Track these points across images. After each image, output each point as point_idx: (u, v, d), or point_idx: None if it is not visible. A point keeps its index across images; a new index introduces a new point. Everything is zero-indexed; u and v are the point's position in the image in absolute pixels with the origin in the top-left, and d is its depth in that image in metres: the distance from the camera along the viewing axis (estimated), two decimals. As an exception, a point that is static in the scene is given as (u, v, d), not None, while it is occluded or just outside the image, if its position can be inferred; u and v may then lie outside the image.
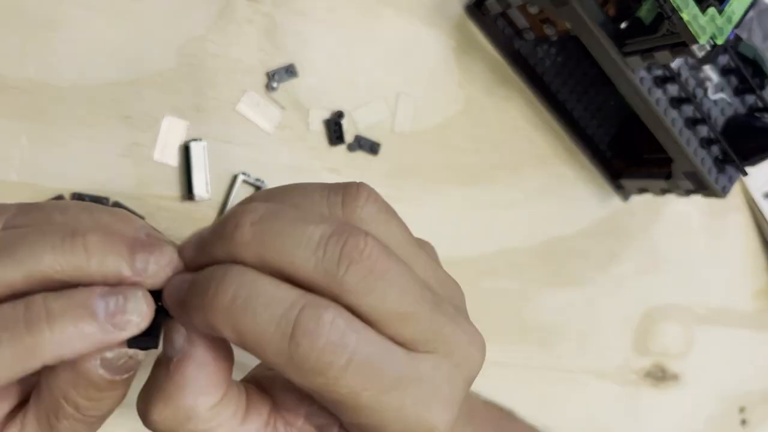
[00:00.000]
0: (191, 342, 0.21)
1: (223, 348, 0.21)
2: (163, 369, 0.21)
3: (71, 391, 0.20)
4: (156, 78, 0.36)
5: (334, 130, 0.40)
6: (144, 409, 0.22)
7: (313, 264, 0.19)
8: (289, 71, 0.39)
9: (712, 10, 0.32)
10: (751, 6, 0.33)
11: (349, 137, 0.40)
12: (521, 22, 0.42)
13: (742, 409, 0.56)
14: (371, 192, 0.22)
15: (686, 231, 0.53)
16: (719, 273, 0.55)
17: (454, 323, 0.22)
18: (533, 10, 0.40)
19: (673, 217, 0.52)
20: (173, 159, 0.36)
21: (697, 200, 0.48)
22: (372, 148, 0.41)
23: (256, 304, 0.19)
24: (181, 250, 0.21)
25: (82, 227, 0.20)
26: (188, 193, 0.36)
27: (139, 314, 0.20)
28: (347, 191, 0.22)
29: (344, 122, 0.40)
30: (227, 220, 0.20)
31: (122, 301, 0.20)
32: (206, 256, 0.21)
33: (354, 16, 0.41)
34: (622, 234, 0.50)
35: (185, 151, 0.36)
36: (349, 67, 0.41)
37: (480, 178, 0.45)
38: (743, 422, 0.56)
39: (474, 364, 0.23)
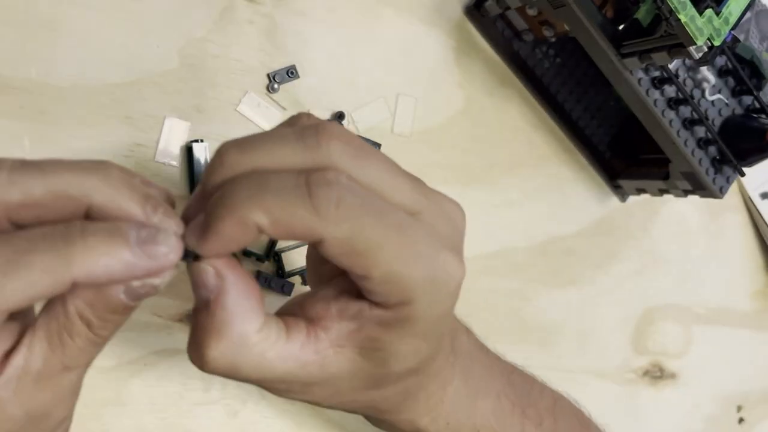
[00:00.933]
0: (222, 276, 0.22)
1: (250, 278, 0.23)
2: (203, 312, 0.22)
3: (87, 310, 0.21)
4: (157, 79, 0.36)
5: (334, 130, 0.40)
6: (198, 354, 0.23)
7: (299, 153, 0.22)
8: (290, 72, 0.39)
9: (709, 12, 0.32)
10: (749, 7, 0.33)
11: (349, 138, 0.41)
12: (520, 23, 0.43)
13: (739, 408, 0.56)
14: (315, 116, 0.25)
15: (684, 231, 0.53)
16: (717, 273, 0.55)
17: (431, 191, 0.25)
18: (532, 11, 0.40)
19: (671, 217, 0.52)
20: (175, 159, 0.36)
21: (695, 200, 0.48)
22: (372, 148, 0.41)
23: (271, 182, 0.21)
24: (186, 209, 0.23)
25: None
26: (190, 193, 0.36)
27: (168, 246, 0.21)
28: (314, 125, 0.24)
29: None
30: (212, 160, 0.23)
31: (154, 232, 0.21)
32: (206, 195, 0.22)
33: (354, 16, 0.41)
34: (620, 234, 0.50)
35: (187, 151, 0.36)
36: (350, 67, 0.41)
37: (479, 178, 0.45)
38: (741, 421, 0.56)
39: (459, 218, 0.26)
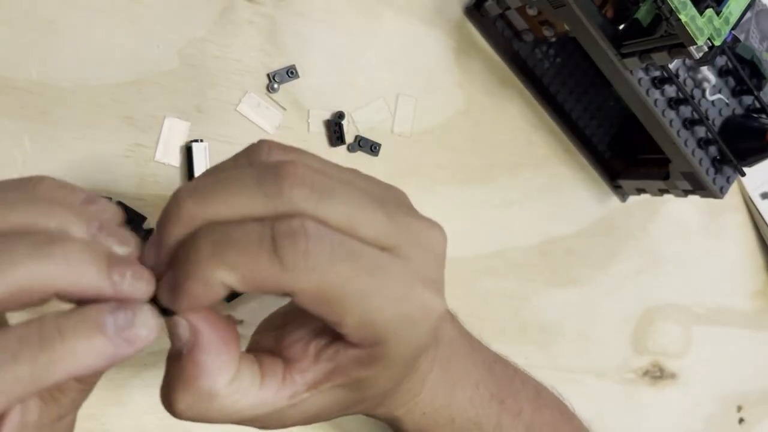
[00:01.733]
0: (195, 331, 0.22)
1: (227, 327, 0.23)
2: (175, 362, 0.22)
3: (80, 366, 0.20)
4: (157, 79, 0.36)
5: (334, 130, 0.40)
6: (168, 402, 0.23)
7: (260, 201, 0.21)
8: (290, 72, 0.39)
9: (710, 12, 0.32)
10: (749, 7, 0.33)
11: (349, 138, 0.41)
12: (520, 23, 0.43)
13: (739, 408, 0.56)
14: (277, 144, 0.23)
15: (684, 231, 0.53)
16: (717, 273, 0.55)
17: (407, 216, 0.24)
18: (532, 11, 0.40)
19: (671, 217, 0.53)
20: (175, 159, 0.36)
21: (695, 200, 0.48)
22: (372, 148, 0.41)
23: (233, 237, 0.20)
24: (145, 258, 0.22)
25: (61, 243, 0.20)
26: (190, 193, 0.36)
27: (147, 328, 0.21)
28: (257, 150, 0.23)
29: (344, 123, 0.40)
30: (168, 209, 0.22)
31: (131, 316, 0.20)
32: (164, 247, 0.22)
33: (354, 16, 0.41)
34: (620, 234, 0.50)
35: (187, 151, 0.36)
36: (350, 67, 0.41)
37: (479, 178, 0.45)
38: (741, 421, 0.56)
39: (439, 244, 0.25)
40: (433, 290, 0.24)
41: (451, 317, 0.33)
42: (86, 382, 0.22)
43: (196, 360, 0.22)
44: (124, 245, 0.22)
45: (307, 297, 0.21)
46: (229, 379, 0.22)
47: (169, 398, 0.23)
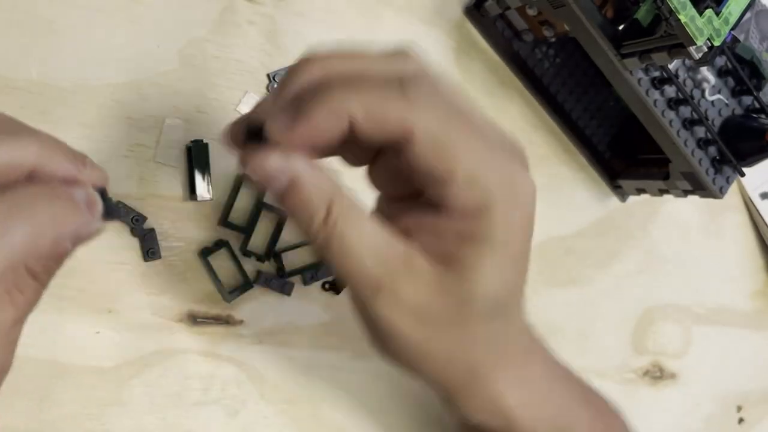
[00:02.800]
0: (295, 158, 0.24)
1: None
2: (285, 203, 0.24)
3: (35, 263, 0.23)
4: (157, 79, 0.36)
5: (334, 130, 0.40)
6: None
7: (388, 65, 0.24)
8: (290, 72, 0.39)
9: (709, 12, 0.32)
10: (748, 7, 0.33)
11: (349, 138, 0.41)
12: (520, 23, 0.43)
13: (739, 408, 0.56)
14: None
15: (684, 231, 0.53)
16: (717, 273, 0.55)
17: (496, 126, 0.26)
18: (532, 11, 0.40)
19: (671, 217, 0.53)
20: (175, 160, 0.36)
21: (695, 201, 0.48)
22: (372, 148, 0.41)
23: (365, 79, 0.23)
24: (259, 105, 0.26)
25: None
26: (190, 193, 0.36)
27: (101, 204, 0.24)
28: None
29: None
30: (299, 61, 0.24)
31: (92, 194, 0.24)
32: (288, 94, 0.24)
33: (354, 17, 0.41)
34: (620, 234, 0.50)
35: (187, 151, 0.36)
36: (350, 68, 0.41)
37: (479, 178, 0.45)
38: (741, 421, 0.56)
39: (523, 150, 0.27)
40: (527, 171, 0.26)
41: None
42: (41, 279, 0.23)
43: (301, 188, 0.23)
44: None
45: (424, 142, 0.22)
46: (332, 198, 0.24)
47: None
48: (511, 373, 0.28)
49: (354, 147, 0.26)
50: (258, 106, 0.25)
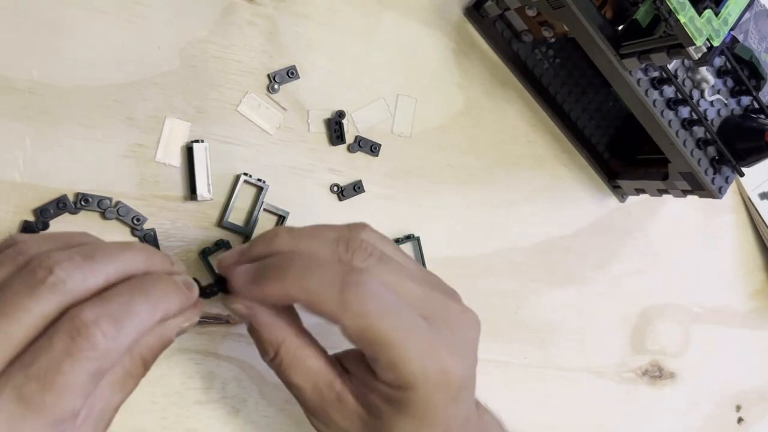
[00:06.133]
0: (251, 311, 0.30)
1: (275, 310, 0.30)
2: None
3: (148, 352, 0.27)
4: (158, 79, 0.36)
5: (335, 129, 0.40)
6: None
7: (329, 253, 0.29)
8: (290, 72, 0.39)
9: (708, 12, 0.32)
10: (747, 8, 0.33)
11: (349, 138, 0.41)
12: (519, 24, 0.43)
13: (738, 408, 0.56)
14: (368, 226, 0.31)
15: (683, 231, 0.53)
16: (716, 273, 0.55)
17: (445, 298, 0.30)
18: (531, 12, 0.40)
19: (670, 217, 0.53)
20: (175, 160, 0.36)
21: (694, 201, 0.48)
22: (372, 148, 0.41)
23: (315, 270, 0.27)
24: (224, 257, 0.31)
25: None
26: (191, 193, 0.36)
27: (195, 286, 0.29)
28: (350, 226, 0.31)
29: (344, 123, 0.40)
30: (266, 233, 0.30)
31: (186, 278, 0.29)
32: (250, 255, 0.30)
33: (354, 17, 0.41)
34: (619, 234, 0.51)
35: (187, 151, 0.36)
36: (350, 68, 0.41)
37: (479, 178, 0.45)
38: (740, 420, 0.56)
39: (471, 328, 0.31)
40: (455, 356, 0.28)
41: (491, 416, 0.35)
42: (147, 367, 0.27)
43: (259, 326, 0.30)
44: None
45: (351, 333, 0.27)
46: (281, 342, 0.30)
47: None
48: None
49: None
50: (228, 258, 0.31)
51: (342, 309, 0.27)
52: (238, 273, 0.29)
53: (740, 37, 0.45)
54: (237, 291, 0.29)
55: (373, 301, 0.27)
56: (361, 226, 0.31)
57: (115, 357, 0.24)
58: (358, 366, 0.30)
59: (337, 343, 0.30)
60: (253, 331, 0.30)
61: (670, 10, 0.31)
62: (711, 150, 0.41)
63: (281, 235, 0.30)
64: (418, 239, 0.42)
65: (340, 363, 0.31)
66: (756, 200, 0.55)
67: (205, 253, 0.36)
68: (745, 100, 0.42)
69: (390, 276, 0.28)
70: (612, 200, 0.50)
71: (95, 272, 0.25)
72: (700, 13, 0.32)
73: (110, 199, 0.35)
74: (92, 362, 0.23)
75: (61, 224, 0.34)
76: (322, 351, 0.31)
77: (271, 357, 0.30)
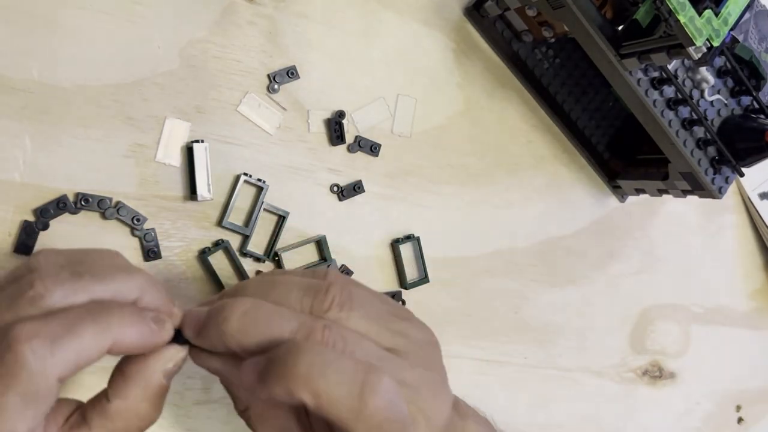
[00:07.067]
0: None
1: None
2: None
3: (140, 408, 0.26)
4: (158, 79, 0.36)
5: (335, 129, 0.40)
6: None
7: (302, 301, 0.27)
8: (290, 72, 0.39)
9: (708, 13, 0.32)
10: (747, 8, 0.33)
11: (349, 138, 0.41)
12: (519, 24, 0.43)
13: (738, 408, 0.56)
14: (337, 273, 0.29)
15: (683, 231, 0.53)
16: (716, 273, 0.55)
17: (411, 327, 0.29)
18: (531, 12, 0.40)
19: (670, 217, 0.53)
20: (175, 160, 0.36)
21: (694, 201, 0.49)
22: (372, 148, 0.41)
23: (330, 370, 0.24)
24: (185, 324, 0.28)
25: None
26: (191, 193, 0.36)
27: (168, 330, 0.27)
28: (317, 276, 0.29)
29: (344, 122, 0.40)
30: (224, 303, 0.27)
31: (163, 317, 0.27)
32: (205, 337, 0.27)
33: (354, 17, 0.41)
34: (619, 234, 0.51)
35: (188, 151, 0.36)
36: (350, 68, 0.41)
37: (479, 178, 0.45)
38: (740, 420, 0.56)
39: (435, 346, 0.30)
40: (438, 397, 0.28)
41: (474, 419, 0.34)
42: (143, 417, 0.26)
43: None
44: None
45: (309, 405, 0.25)
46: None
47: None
48: None
49: None
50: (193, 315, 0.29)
51: (358, 418, 0.24)
52: (245, 368, 0.26)
53: (740, 37, 0.45)
54: (245, 385, 0.27)
55: (394, 412, 0.25)
56: (331, 292, 0.28)
57: (47, 382, 0.22)
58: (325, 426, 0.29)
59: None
60: (225, 384, 0.30)
61: (670, 10, 0.31)
62: (711, 150, 0.41)
63: (248, 283, 0.28)
64: (418, 239, 0.42)
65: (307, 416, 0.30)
66: (756, 200, 0.55)
67: (204, 253, 0.36)
68: (745, 100, 0.42)
69: (355, 320, 0.27)
70: (612, 200, 0.50)
71: (78, 291, 0.24)
72: (700, 13, 0.32)
73: (110, 199, 0.35)
74: (19, 383, 0.22)
75: (61, 224, 0.34)
76: (293, 408, 0.30)
77: (242, 410, 0.30)
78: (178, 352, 0.27)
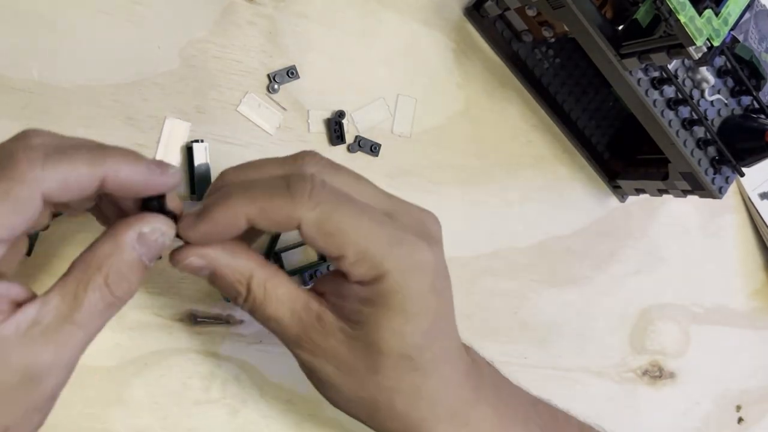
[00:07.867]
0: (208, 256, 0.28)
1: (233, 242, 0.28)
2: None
3: (106, 261, 0.24)
4: (158, 79, 0.36)
5: (335, 129, 0.40)
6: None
7: (281, 167, 0.27)
8: (290, 72, 0.39)
9: (708, 12, 0.32)
10: (748, 8, 0.33)
11: (349, 138, 0.41)
12: (519, 24, 0.43)
13: (739, 408, 0.56)
14: (317, 154, 0.29)
15: (683, 231, 0.53)
16: (716, 272, 0.55)
17: (403, 201, 0.29)
18: (531, 12, 0.40)
19: (670, 217, 0.53)
20: (175, 160, 0.36)
21: (694, 201, 0.48)
22: (372, 148, 0.41)
23: (258, 184, 0.26)
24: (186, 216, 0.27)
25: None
26: (191, 193, 0.36)
27: (174, 169, 0.26)
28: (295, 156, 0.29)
29: (344, 122, 0.40)
30: (214, 182, 0.29)
31: (164, 163, 0.26)
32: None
33: (354, 17, 0.41)
34: (619, 234, 0.51)
35: (188, 151, 0.36)
36: (350, 68, 0.41)
37: (479, 178, 0.45)
38: (740, 420, 0.56)
39: (433, 222, 0.30)
40: (424, 241, 0.27)
41: (488, 363, 0.34)
42: (112, 287, 0.25)
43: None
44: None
45: (311, 228, 0.26)
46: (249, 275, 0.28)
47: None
48: (451, 429, 0.29)
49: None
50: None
51: (293, 205, 0.25)
52: (184, 220, 0.27)
53: (740, 37, 0.45)
54: (188, 238, 0.27)
55: (326, 191, 0.26)
56: (310, 155, 0.28)
57: (30, 190, 0.22)
58: (329, 283, 0.28)
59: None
60: (217, 278, 0.28)
61: (671, 10, 0.31)
62: (711, 150, 0.41)
63: (227, 171, 0.29)
64: (418, 239, 0.42)
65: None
66: (756, 200, 0.55)
67: (205, 253, 0.36)
68: (746, 100, 0.42)
69: (344, 178, 0.27)
70: (612, 200, 0.50)
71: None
72: (700, 13, 0.32)
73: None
74: (2, 180, 0.22)
75: (61, 224, 0.34)
76: (291, 279, 0.29)
77: (245, 296, 0.28)
78: (163, 221, 0.26)
